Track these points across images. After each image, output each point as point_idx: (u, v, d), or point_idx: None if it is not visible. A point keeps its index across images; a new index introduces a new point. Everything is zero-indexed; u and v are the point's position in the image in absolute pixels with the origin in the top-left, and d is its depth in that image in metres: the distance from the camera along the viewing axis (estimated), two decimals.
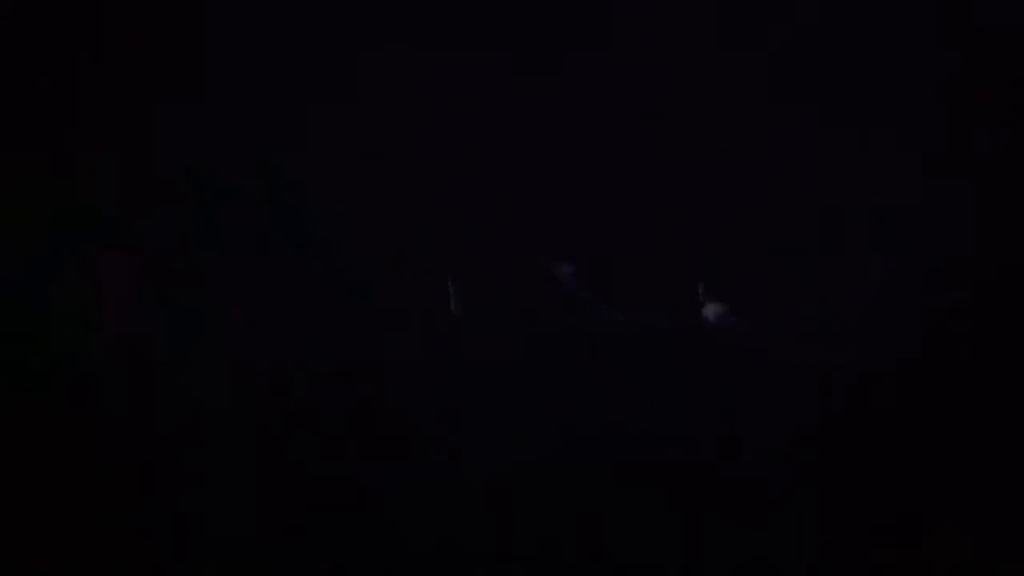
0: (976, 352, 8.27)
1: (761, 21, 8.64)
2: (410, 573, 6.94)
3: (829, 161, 8.72)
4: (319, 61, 8.78)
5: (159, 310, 8.38)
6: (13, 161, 8.45)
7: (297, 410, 8.01)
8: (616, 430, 7.95)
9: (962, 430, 7.80)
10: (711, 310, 8.70)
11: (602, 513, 7.31)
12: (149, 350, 8.20)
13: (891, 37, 8.58)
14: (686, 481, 7.59)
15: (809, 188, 8.73)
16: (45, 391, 7.88)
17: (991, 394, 7.96)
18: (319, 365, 8.27)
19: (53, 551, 6.86)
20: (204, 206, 8.64)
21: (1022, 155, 8.52)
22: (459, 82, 8.83)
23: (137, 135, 8.63)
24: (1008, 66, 8.44)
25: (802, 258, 8.72)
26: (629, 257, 8.79)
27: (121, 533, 7.04)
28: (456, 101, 8.85)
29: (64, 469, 7.43)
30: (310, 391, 8.14)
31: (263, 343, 8.32)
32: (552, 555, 6.91)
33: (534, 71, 8.77)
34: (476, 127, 8.85)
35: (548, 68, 8.77)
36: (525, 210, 8.85)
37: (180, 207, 8.61)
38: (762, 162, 8.71)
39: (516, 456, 7.78)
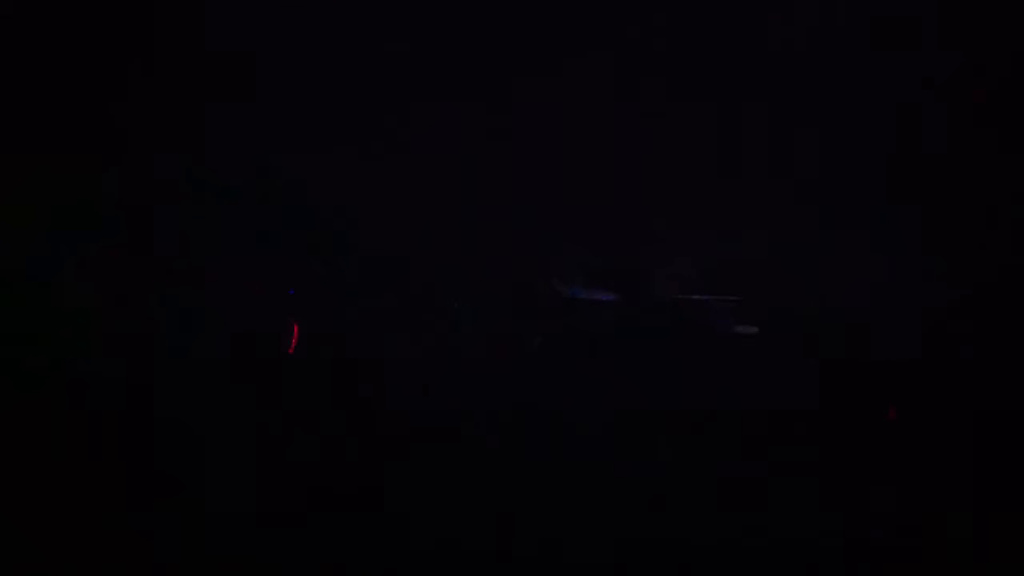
0: (976, 352, 8.27)
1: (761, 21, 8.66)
2: (410, 573, 6.92)
3: (829, 161, 8.72)
4: (319, 61, 8.79)
5: (159, 310, 8.38)
6: (13, 161, 8.45)
7: (297, 408, 7.99)
8: (615, 428, 7.95)
9: (962, 429, 7.79)
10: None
11: (601, 512, 7.29)
12: (149, 350, 8.19)
13: (890, 37, 8.59)
14: (685, 478, 7.59)
15: (809, 187, 8.73)
16: (45, 391, 7.87)
17: (991, 393, 7.96)
18: (319, 364, 8.27)
19: (53, 549, 6.85)
20: (204, 206, 8.65)
21: (1022, 155, 8.52)
22: (459, 83, 8.84)
23: (138, 135, 8.64)
24: (1008, 66, 8.44)
25: (804, 258, 8.72)
26: (630, 256, 8.80)
27: (120, 532, 7.02)
28: (455, 102, 8.86)
29: (63, 468, 7.41)
30: (310, 390, 8.13)
31: (263, 343, 8.31)
32: (552, 554, 6.89)
33: (534, 71, 8.78)
34: (476, 128, 8.86)
35: (547, 69, 8.78)
36: (525, 211, 8.85)
37: (180, 207, 8.61)
38: (762, 159, 8.72)
39: (516, 455, 7.77)
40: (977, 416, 7.87)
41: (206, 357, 8.26)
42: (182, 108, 8.72)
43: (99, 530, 6.86)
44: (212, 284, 8.59)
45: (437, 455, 7.75)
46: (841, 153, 8.78)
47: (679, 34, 8.77)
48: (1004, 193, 8.56)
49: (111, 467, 7.44)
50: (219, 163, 8.75)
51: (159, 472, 7.44)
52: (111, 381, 7.98)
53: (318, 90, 8.90)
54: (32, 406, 7.75)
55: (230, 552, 6.72)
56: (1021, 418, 7.78)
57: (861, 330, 8.46)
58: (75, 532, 6.83)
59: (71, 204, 8.48)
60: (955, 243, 8.55)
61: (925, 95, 8.69)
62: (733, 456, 7.73)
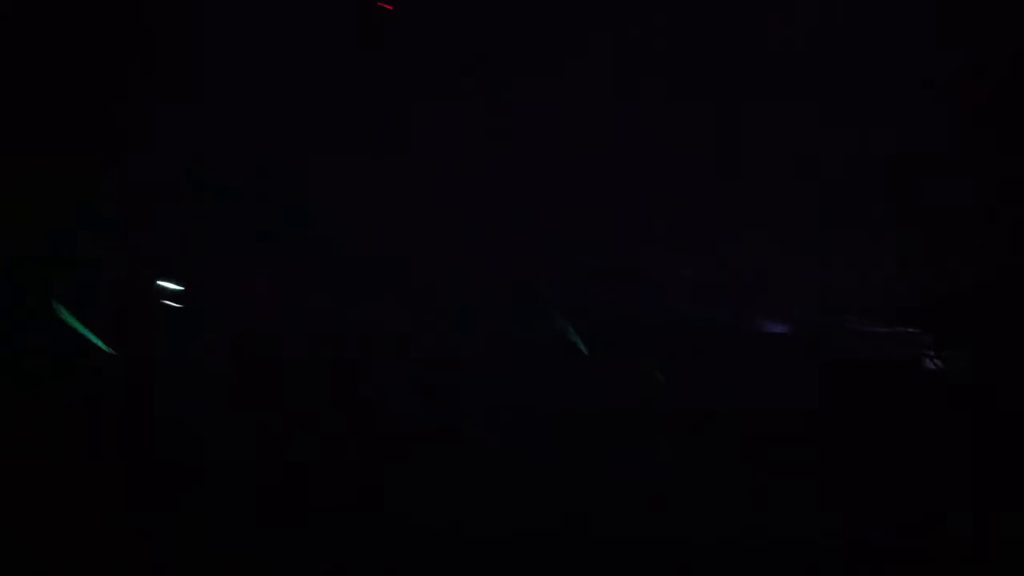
0: (976, 352, 8.27)
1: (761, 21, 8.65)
2: (410, 573, 6.92)
3: (829, 161, 8.72)
4: (319, 61, 8.78)
5: (159, 310, 8.38)
6: (13, 161, 8.45)
7: (296, 408, 8.00)
8: (617, 426, 7.95)
9: (962, 428, 7.80)
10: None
11: (601, 512, 7.30)
12: (149, 350, 8.19)
13: (890, 37, 8.58)
14: (684, 478, 7.60)
15: (810, 188, 8.72)
16: (45, 391, 7.87)
17: (991, 393, 7.96)
18: (318, 364, 8.27)
19: (53, 549, 6.85)
20: (204, 206, 8.64)
21: (1022, 155, 8.52)
22: (458, 84, 8.84)
23: (138, 135, 8.64)
24: (1008, 66, 8.44)
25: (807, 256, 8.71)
26: (630, 256, 8.80)
27: (120, 532, 7.02)
28: (455, 102, 8.86)
29: (63, 468, 7.42)
30: (309, 389, 8.14)
31: (263, 341, 8.32)
32: (553, 554, 6.90)
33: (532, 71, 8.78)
34: (475, 129, 8.86)
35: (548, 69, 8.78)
36: (525, 211, 8.84)
37: (180, 207, 8.61)
38: (763, 159, 8.71)
39: (516, 455, 7.77)
40: (977, 416, 7.88)
41: (206, 357, 8.27)
42: (182, 108, 8.72)
43: (99, 530, 6.87)
44: (212, 284, 8.60)
45: (437, 455, 7.76)
46: (841, 153, 8.78)
47: (679, 34, 8.77)
48: (1004, 193, 8.56)
49: (111, 467, 7.44)
50: (219, 163, 8.75)
51: (159, 472, 7.45)
52: (111, 381, 7.99)
53: (318, 90, 8.90)
54: (32, 406, 7.76)
55: (230, 552, 6.74)
56: (1021, 418, 7.79)
57: (860, 330, 8.47)
58: (75, 532, 6.84)
59: (71, 204, 8.49)
60: (955, 243, 8.55)
61: (925, 95, 8.68)
62: (733, 456, 7.74)
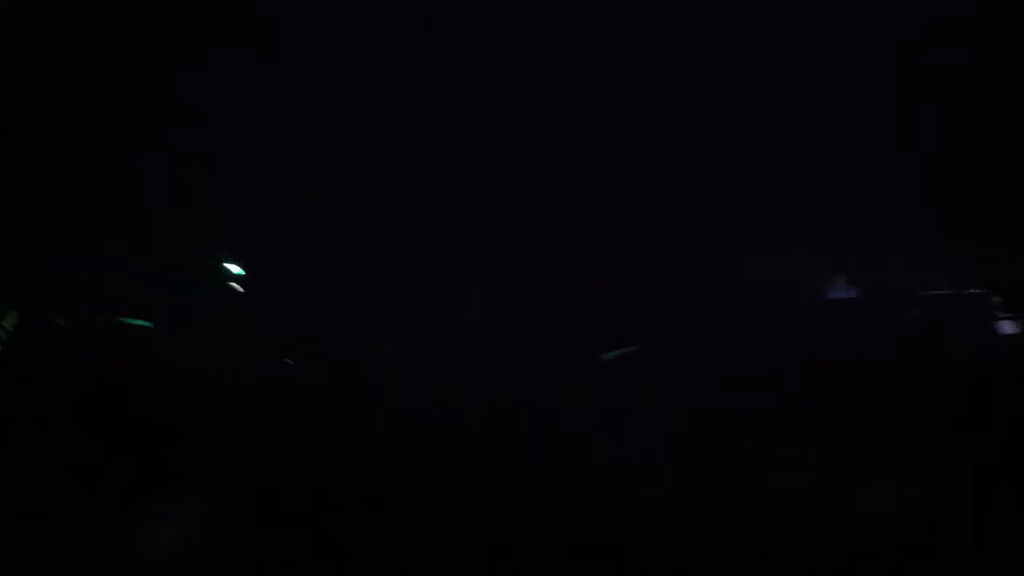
0: (975, 352, 8.29)
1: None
2: (410, 573, 6.93)
3: (829, 161, 8.75)
4: (318, 61, 8.82)
5: (160, 310, 8.39)
6: (12, 161, 8.47)
7: (299, 409, 8.02)
8: (619, 426, 7.97)
9: (963, 428, 7.81)
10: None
11: (601, 513, 7.31)
12: (149, 350, 8.21)
13: (890, 37, 8.61)
14: (684, 478, 7.61)
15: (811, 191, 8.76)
16: (45, 390, 7.88)
17: (991, 393, 7.98)
18: (318, 364, 8.30)
19: (53, 549, 6.86)
20: (204, 206, 8.67)
21: (1022, 155, 8.55)
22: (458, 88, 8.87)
23: (137, 135, 8.67)
24: (1008, 66, 8.47)
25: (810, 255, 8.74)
26: (636, 253, 8.82)
27: (121, 532, 7.04)
28: (454, 103, 8.89)
29: (63, 468, 7.42)
30: (310, 391, 8.16)
31: (263, 341, 8.34)
32: (552, 556, 6.91)
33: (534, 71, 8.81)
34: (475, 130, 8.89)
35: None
36: (526, 211, 8.87)
37: (180, 207, 8.64)
38: (763, 160, 8.74)
39: (516, 455, 7.79)
40: (977, 416, 7.89)
41: (207, 357, 8.29)
42: (182, 108, 8.75)
43: (99, 530, 6.87)
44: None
45: (437, 455, 7.76)
46: (841, 153, 8.81)
47: (679, 33, 8.80)
48: (1004, 193, 8.59)
49: (111, 467, 7.44)
50: (222, 164, 8.78)
51: (159, 472, 7.45)
52: (111, 381, 8.00)
53: (317, 90, 8.94)
54: (32, 406, 7.76)
55: (230, 552, 6.74)
56: (1021, 418, 7.80)
57: (861, 330, 8.48)
58: (75, 532, 6.85)
59: (71, 204, 8.51)
60: (955, 243, 8.57)
61: (926, 95, 8.72)
62: (733, 456, 7.74)
